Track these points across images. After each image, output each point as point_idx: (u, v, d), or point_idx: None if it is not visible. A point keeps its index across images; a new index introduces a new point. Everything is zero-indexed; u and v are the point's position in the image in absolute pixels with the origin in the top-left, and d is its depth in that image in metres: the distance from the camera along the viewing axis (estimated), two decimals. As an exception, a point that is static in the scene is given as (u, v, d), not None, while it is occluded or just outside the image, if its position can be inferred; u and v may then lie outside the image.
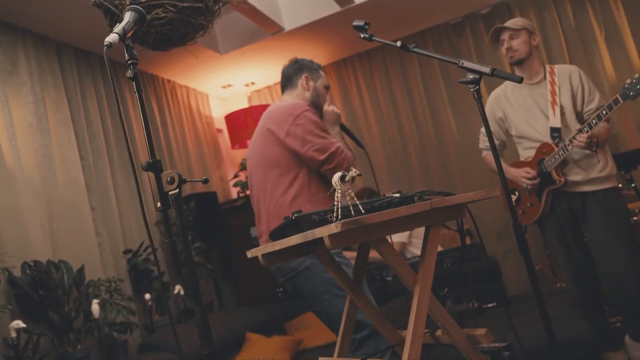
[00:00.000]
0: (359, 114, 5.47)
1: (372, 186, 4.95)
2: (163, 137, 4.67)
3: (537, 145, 2.72)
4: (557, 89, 2.72)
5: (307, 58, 2.45)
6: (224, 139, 5.86)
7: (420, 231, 4.30)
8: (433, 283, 1.50)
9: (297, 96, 2.35)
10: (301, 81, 2.36)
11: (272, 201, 2.17)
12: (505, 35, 2.77)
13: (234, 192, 5.50)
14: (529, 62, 2.77)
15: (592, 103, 2.71)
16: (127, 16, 1.35)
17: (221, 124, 5.76)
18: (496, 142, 2.92)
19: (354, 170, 1.32)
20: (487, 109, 2.95)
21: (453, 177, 5.12)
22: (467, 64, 1.68)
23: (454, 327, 1.57)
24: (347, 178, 1.32)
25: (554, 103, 2.69)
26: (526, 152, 2.84)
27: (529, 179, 2.73)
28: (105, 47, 1.23)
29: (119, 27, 1.30)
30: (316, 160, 2.12)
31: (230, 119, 5.38)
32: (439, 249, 4.30)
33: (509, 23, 2.79)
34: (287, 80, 2.40)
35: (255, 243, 4.71)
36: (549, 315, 1.60)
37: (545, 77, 2.79)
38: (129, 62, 1.28)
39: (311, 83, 2.37)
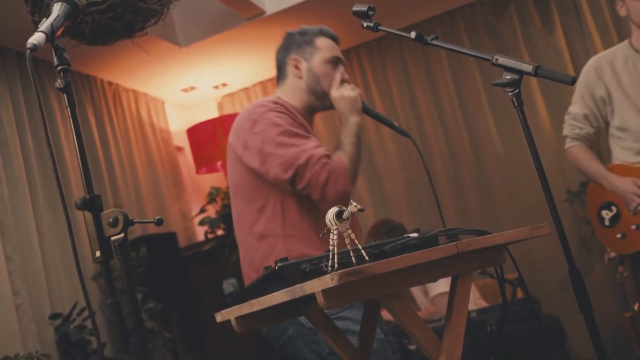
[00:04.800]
0: (367, 120, 5.52)
1: (395, 207, 4.99)
2: (103, 159, 4.75)
3: None
4: None
5: (303, 26, 2.37)
6: (186, 160, 5.93)
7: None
8: (472, 352, 1.55)
9: (289, 89, 2.33)
10: (289, 67, 2.33)
11: (240, 242, 2.20)
12: None
13: (201, 233, 5.55)
14: None
15: None
16: (57, 9, 1.43)
17: (182, 141, 5.84)
18: (590, 129, 2.88)
19: (354, 204, 1.38)
20: (582, 81, 2.89)
21: (496, 205, 5.19)
22: (502, 60, 1.75)
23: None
24: (345, 215, 1.37)
25: None
26: (629, 155, 2.79)
27: None
28: (28, 50, 1.31)
29: (45, 24, 1.37)
30: (281, 180, 2.09)
31: (194, 133, 5.46)
32: (482, 304, 4.34)
33: None
34: (278, 70, 2.39)
35: (229, 301, 4.75)
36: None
37: None
38: (59, 68, 1.35)
39: (303, 65, 2.31)
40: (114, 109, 5.07)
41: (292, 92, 2.33)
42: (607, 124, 2.88)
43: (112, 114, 5.02)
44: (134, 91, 5.37)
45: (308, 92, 2.31)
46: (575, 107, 2.93)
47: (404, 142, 5.46)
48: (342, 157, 2.14)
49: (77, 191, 4.32)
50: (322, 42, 2.33)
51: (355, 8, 2.04)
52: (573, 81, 1.66)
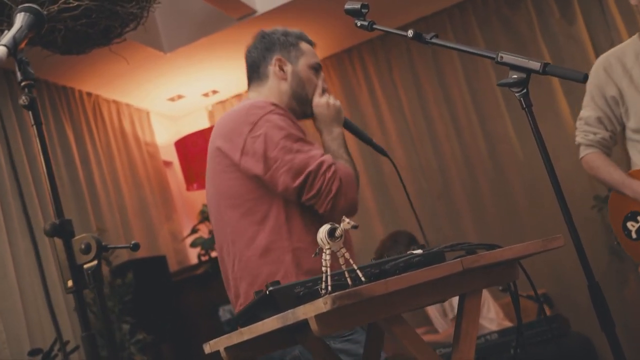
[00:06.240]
0: (373, 126, 5.58)
1: (406, 220, 5.01)
2: (84, 177, 4.78)
3: None
4: None
5: (281, 28, 2.43)
6: (175, 175, 5.96)
7: (484, 292, 4.36)
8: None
9: (269, 91, 2.35)
10: (272, 67, 2.36)
11: (236, 258, 2.17)
12: None
13: (193, 255, 5.57)
14: None
15: None
16: (19, 19, 1.45)
17: (170, 154, 5.87)
18: (605, 133, 2.90)
19: (347, 220, 1.40)
20: (591, 83, 2.92)
21: (518, 215, 5.20)
22: (508, 57, 1.77)
23: None
24: (337, 232, 1.39)
25: None
26: None
27: None
28: (-12, 66, 1.34)
29: (7, 37, 1.40)
30: (289, 188, 2.09)
31: (184, 145, 5.49)
32: (506, 324, 4.34)
33: None
34: (253, 70, 2.42)
35: (227, 329, 4.76)
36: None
37: None
38: (23, 84, 1.38)
39: (288, 67, 2.35)
40: (95, 122, 5.10)
41: (272, 95, 2.34)
42: (623, 127, 2.90)
43: (93, 127, 5.05)
44: (116, 102, 5.41)
45: (291, 96, 2.35)
46: (587, 111, 2.95)
47: (414, 148, 5.48)
48: (347, 165, 2.19)
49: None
50: (305, 46, 2.39)
51: (347, 6, 2.07)
52: (585, 78, 1.68)
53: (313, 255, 1.47)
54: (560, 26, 5.22)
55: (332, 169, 2.10)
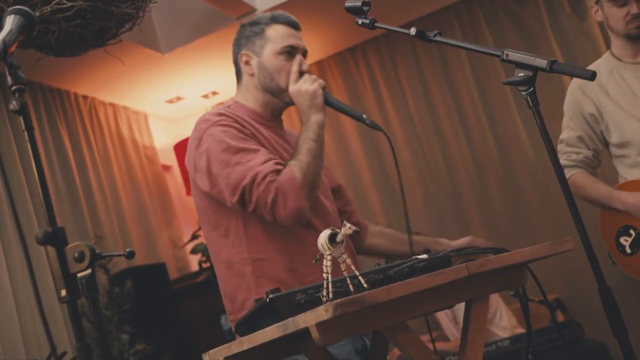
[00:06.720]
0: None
1: (412, 221, 4.99)
2: (80, 183, 4.79)
3: None
4: None
5: (256, 17, 2.36)
6: (175, 180, 5.97)
7: (496, 299, 4.34)
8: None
9: (245, 90, 2.33)
10: (242, 65, 2.33)
11: (216, 272, 2.24)
12: None
13: (194, 262, 5.57)
14: None
15: None
16: (9, 22, 1.46)
17: (169, 158, 5.89)
18: (587, 152, 2.96)
19: (348, 225, 1.40)
20: (568, 103, 3.00)
21: (529, 217, 5.19)
22: (513, 55, 1.78)
23: None
24: (338, 238, 1.40)
25: None
26: (638, 173, 2.86)
27: None
28: (-23, 71, 1.35)
29: (-5, 40, 1.41)
30: (232, 203, 2.09)
31: (183, 149, 5.46)
32: (519, 331, 4.33)
33: None
34: (235, 69, 2.40)
35: (229, 339, 4.76)
36: None
37: None
38: (14, 88, 1.39)
39: (254, 61, 2.30)
40: (91, 125, 5.11)
41: (248, 92, 2.33)
42: (606, 145, 2.95)
43: (89, 131, 5.06)
44: (113, 105, 5.42)
45: (263, 90, 2.29)
46: (567, 132, 3.01)
47: (421, 149, 5.48)
48: (293, 170, 2.09)
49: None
50: (274, 31, 2.30)
51: (348, 4, 2.07)
52: (593, 76, 1.68)
53: (313, 262, 1.47)
54: (571, 22, 5.21)
55: (267, 179, 2.04)
